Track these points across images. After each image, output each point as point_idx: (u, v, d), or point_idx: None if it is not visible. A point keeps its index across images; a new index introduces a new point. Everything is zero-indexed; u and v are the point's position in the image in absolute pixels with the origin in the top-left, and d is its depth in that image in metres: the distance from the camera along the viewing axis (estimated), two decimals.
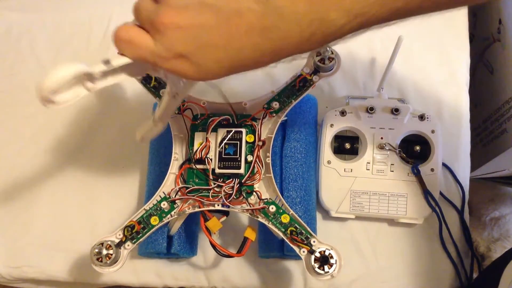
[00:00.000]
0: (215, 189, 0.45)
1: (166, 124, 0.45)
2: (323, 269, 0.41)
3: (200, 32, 0.27)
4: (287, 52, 0.29)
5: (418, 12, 0.28)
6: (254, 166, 0.46)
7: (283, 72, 0.63)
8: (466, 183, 0.57)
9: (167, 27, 0.27)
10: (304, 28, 0.27)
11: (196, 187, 0.46)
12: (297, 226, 0.44)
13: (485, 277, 0.51)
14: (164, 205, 0.45)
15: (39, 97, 0.31)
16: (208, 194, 0.45)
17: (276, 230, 0.44)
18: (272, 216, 0.44)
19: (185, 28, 0.27)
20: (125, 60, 0.31)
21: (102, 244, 0.43)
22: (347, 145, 0.54)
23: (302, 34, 0.27)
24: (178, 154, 0.48)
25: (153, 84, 0.48)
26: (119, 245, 0.44)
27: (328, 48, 0.50)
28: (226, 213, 0.46)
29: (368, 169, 0.53)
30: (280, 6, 0.26)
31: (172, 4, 0.28)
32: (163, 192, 0.46)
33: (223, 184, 0.45)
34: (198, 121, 0.48)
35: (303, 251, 0.42)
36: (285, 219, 0.44)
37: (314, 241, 0.42)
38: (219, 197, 0.45)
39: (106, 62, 0.31)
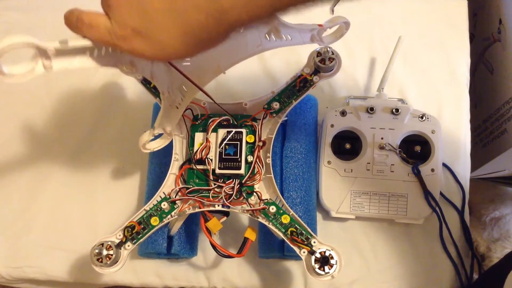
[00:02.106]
0: (216, 189, 0.45)
1: (171, 134, 0.46)
2: (324, 270, 0.41)
3: (144, 1, 0.28)
4: (234, 14, 0.28)
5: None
6: (254, 167, 0.46)
7: (283, 72, 0.63)
8: (466, 183, 0.57)
9: (117, 1, 0.28)
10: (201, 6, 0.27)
11: (196, 187, 0.46)
12: (298, 227, 0.44)
13: (487, 280, 0.51)
14: (165, 205, 0.45)
15: None
16: (208, 194, 0.45)
17: (276, 230, 0.44)
18: (272, 217, 0.44)
19: None
20: (82, 42, 0.31)
21: (102, 244, 0.43)
22: (347, 145, 0.54)
23: (200, 9, 0.27)
24: (178, 155, 0.48)
25: (153, 84, 0.48)
26: (119, 245, 0.44)
27: (328, 49, 0.50)
28: (226, 214, 0.46)
29: (368, 170, 0.53)
30: None
31: None
32: (163, 193, 0.46)
33: (224, 185, 0.45)
34: (199, 122, 0.48)
35: (304, 252, 0.42)
36: (285, 219, 0.44)
37: (314, 242, 0.42)
38: (220, 197, 0.45)
39: (63, 42, 0.32)
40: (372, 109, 0.54)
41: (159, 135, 0.47)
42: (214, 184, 0.45)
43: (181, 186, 0.46)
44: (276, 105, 0.48)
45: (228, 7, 0.27)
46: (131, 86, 0.63)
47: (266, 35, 0.40)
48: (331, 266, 0.41)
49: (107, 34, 0.29)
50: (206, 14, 0.28)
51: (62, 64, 0.32)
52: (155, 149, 0.47)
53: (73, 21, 0.31)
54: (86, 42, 0.31)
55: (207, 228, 0.44)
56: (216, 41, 0.30)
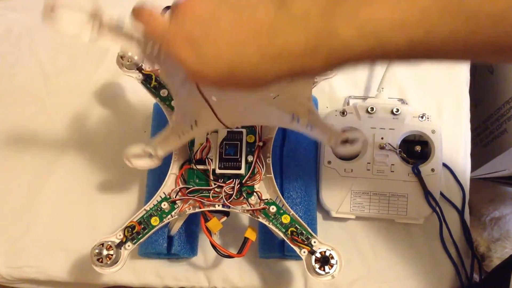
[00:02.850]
0: (216, 189, 0.45)
1: (161, 159, 0.43)
2: (324, 270, 0.41)
3: (211, 18, 0.28)
4: (288, 63, 0.27)
5: (442, 52, 0.25)
6: (254, 167, 0.46)
7: None
8: (466, 183, 0.57)
9: (186, 8, 0.28)
10: (310, 37, 0.25)
11: (196, 187, 0.46)
12: (298, 227, 0.44)
13: (492, 280, 0.50)
14: (165, 205, 0.45)
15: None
16: (208, 194, 0.45)
17: (276, 230, 0.44)
18: (272, 217, 0.44)
19: (200, 11, 0.28)
20: (135, 32, 0.32)
21: (102, 244, 0.43)
22: None
23: (308, 43, 0.25)
24: (178, 155, 0.48)
25: (153, 85, 0.48)
26: (120, 245, 0.44)
27: None
28: (226, 214, 0.46)
29: (369, 169, 0.53)
30: (293, 10, 0.26)
31: None
32: (164, 193, 0.46)
33: (224, 185, 0.45)
34: None
35: (304, 252, 0.42)
36: (285, 219, 0.44)
37: (314, 242, 0.42)
38: (220, 197, 0.45)
39: (119, 23, 0.33)
40: (372, 109, 0.54)
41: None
42: (214, 184, 0.45)
43: (181, 186, 0.46)
44: None
45: (347, 38, 0.25)
46: (131, 86, 0.63)
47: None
48: (332, 266, 0.41)
49: (160, 30, 0.29)
50: (261, 55, 0.27)
51: (106, 43, 0.33)
52: (138, 168, 0.42)
53: (139, 7, 0.32)
54: (138, 33, 0.32)
55: (207, 228, 0.44)
56: (311, 73, 0.27)
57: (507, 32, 0.22)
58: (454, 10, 0.22)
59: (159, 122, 0.56)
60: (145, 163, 0.42)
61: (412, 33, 0.23)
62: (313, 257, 0.41)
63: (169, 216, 0.45)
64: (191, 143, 0.47)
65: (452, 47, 0.23)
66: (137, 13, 0.31)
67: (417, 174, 0.52)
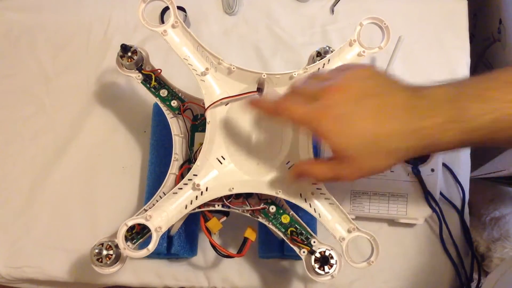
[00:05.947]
0: None
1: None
2: (323, 270, 0.41)
3: (360, 99, 0.33)
4: (427, 131, 0.31)
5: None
6: None
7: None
8: (466, 183, 0.57)
9: (339, 90, 0.33)
10: (445, 112, 0.31)
11: None
12: (297, 227, 0.44)
13: None
14: None
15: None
16: None
17: (276, 230, 0.44)
18: (272, 217, 0.44)
19: (352, 93, 0.33)
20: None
21: (102, 244, 0.43)
22: None
23: (444, 114, 0.31)
24: (178, 155, 0.48)
25: (153, 85, 0.48)
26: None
27: (328, 48, 0.50)
28: (226, 214, 0.46)
29: None
30: (427, 94, 0.32)
31: (345, 78, 0.34)
32: (163, 193, 0.46)
33: None
34: (198, 121, 0.48)
35: (303, 252, 0.42)
36: (285, 219, 0.44)
37: (314, 242, 0.42)
38: (219, 197, 0.45)
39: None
40: None
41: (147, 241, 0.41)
42: None
43: None
44: None
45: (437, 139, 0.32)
46: (131, 86, 0.63)
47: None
48: (331, 265, 0.41)
49: (301, 113, 0.34)
50: (400, 127, 0.32)
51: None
52: (133, 257, 0.41)
53: (272, 107, 0.36)
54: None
55: (207, 228, 0.44)
56: (444, 148, 0.33)
57: None
58: None
59: (159, 122, 0.56)
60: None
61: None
62: (313, 257, 0.41)
63: None
64: (191, 143, 0.47)
65: None
66: (277, 110, 0.35)
67: (417, 174, 0.52)
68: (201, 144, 0.43)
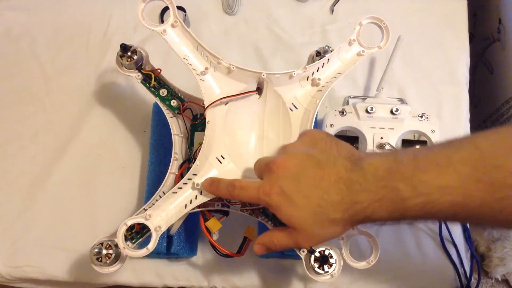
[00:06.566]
0: None
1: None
2: (323, 269, 0.40)
3: (301, 172, 0.35)
4: (361, 206, 0.33)
5: (478, 216, 0.30)
6: None
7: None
8: None
9: (279, 166, 0.35)
10: (378, 189, 0.32)
11: None
12: None
13: None
14: None
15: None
16: None
17: None
18: (272, 216, 0.44)
19: (291, 168, 0.35)
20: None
21: (102, 244, 0.43)
22: None
23: (378, 192, 0.32)
24: (178, 154, 0.48)
25: (153, 84, 0.48)
26: None
27: (328, 48, 0.50)
28: (226, 213, 0.46)
29: None
30: (365, 168, 0.33)
31: (287, 152, 0.37)
32: (163, 192, 0.46)
33: None
34: (198, 121, 0.48)
35: (303, 251, 0.42)
36: None
37: None
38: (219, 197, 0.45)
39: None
40: (371, 108, 0.54)
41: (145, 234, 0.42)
42: None
43: None
44: None
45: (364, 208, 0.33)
46: (131, 86, 0.63)
47: None
48: (331, 265, 0.41)
49: (255, 191, 0.36)
50: (341, 198, 0.33)
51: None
52: (133, 256, 0.41)
53: (222, 188, 0.39)
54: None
55: (206, 228, 0.44)
56: (378, 220, 0.34)
57: None
58: (486, 180, 0.29)
59: (158, 122, 0.56)
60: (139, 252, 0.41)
61: (451, 197, 0.30)
62: (312, 257, 0.41)
63: None
64: (191, 142, 0.47)
65: (486, 210, 0.29)
66: (236, 191, 0.38)
67: None
68: (201, 143, 0.43)
